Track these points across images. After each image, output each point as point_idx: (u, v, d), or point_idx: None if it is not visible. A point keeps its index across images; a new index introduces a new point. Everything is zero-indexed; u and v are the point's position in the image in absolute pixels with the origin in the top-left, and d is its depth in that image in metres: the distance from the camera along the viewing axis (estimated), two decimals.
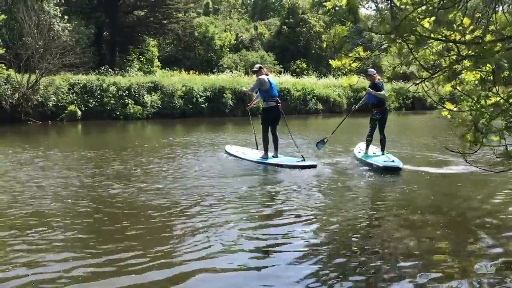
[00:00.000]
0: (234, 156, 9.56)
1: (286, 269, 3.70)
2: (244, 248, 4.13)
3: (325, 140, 9.66)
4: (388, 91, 33.87)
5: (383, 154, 9.17)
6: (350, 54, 3.14)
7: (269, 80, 8.91)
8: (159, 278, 3.49)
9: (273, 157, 9.01)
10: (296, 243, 4.30)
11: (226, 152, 9.94)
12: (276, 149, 9.08)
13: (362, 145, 10.02)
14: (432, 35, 3.40)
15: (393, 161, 8.51)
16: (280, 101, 9.20)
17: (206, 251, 4.02)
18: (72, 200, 5.85)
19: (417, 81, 3.09)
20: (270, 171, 8.14)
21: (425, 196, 6.32)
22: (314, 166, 8.41)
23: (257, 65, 9.43)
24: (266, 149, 9.06)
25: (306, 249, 4.13)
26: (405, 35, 3.14)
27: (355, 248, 4.16)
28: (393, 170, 8.10)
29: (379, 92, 8.90)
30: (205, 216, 5.11)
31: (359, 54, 3.13)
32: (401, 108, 34.38)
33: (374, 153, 9.34)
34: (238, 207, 5.55)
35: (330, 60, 3.45)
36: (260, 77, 8.85)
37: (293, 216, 5.17)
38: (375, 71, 9.06)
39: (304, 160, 8.66)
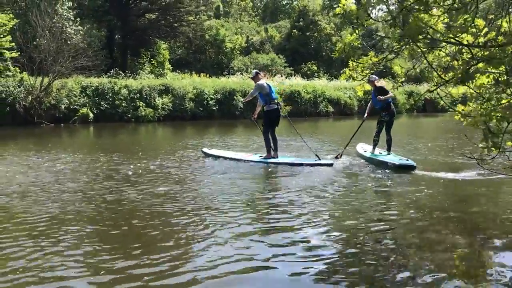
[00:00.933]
0: (229, 158, 9.61)
1: (300, 271, 3.68)
2: (256, 252, 4.11)
3: (339, 157, 9.57)
4: (400, 94, 33.83)
5: (389, 154, 9.27)
6: (362, 61, 3.13)
7: (267, 84, 9.19)
8: (175, 282, 3.50)
9: (273, 157, 9.23)
10: (310, 246, 4.28)
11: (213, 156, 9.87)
12: (276, 149, 9.31)
13: (363, 145, 10.29)
14: (443, 38, 3.38)
15: (408, 160, 8.62)
16: (280, 104, 9.48)
17: (219, 254, 4.02)
18: (84, 204, 5.88)
19: (432, 89, 3.06)
20: (281, 174, 8.12)
21: (440, 199, 6.25)
22: (330, 165, 8.63)
23: (254, 71, 9.65)
24: (269, 150, 9.28)
25: (319, 250, 4.11)
26: (416, 38, 3.13)
27: (368, 251, 4.13)
28: (409, 168, 8.17)
29: (388, 96, 9.10)
30: (220, 219, 5.11)
31: (371, 60, 3.12)
32: (413, 110, 34.15)
33: (380, 153, 9.42)
34: (249, 210, 5.54)
35: (344, 69, 3.44)
36: (258, 82, 9.13)
37: (306, 218, 5.14)
38: (376, 77, 9.29)
39: (319, 159, 8.90)
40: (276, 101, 9.21)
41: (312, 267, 3.78)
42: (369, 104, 9.85)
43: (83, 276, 3.58)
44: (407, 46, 3.09)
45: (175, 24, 32.59)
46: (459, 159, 9.42)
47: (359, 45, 3.17)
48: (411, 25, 2.91)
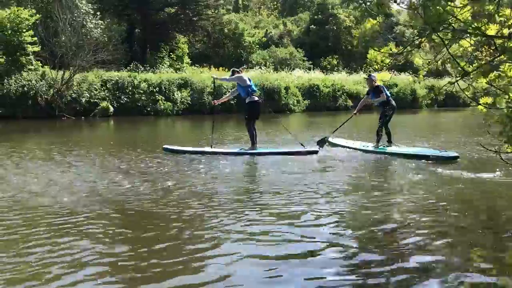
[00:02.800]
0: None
1: (314, 268, 3.66)
2: (266, 250, 4.09)
3: (325, 140, 9.82)
4: (421, 88, 33.35)
5: (390, 145, 9.66)
6: (382, 50, 3.08)
7: (248, 78, 9.51)
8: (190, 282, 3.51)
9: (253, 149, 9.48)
10: (323, 244, 4.25)
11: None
12: (256, 142, 9.58)
13: (360, 142, 10.53)
14: (466, 28, 3.30)
15: (446, 151, 8.91)
16: (260, 97, 9.87)
17: (231, 251, 4.02)
18: (104, 202, 5.95)
19: (453, 80, 2.99)
20: (291, 169, 8.06)
21: (462, 198, 6.13)
22: (315, 152, 9.17)
23: (232, 70, 9.94)
24: (253, 141, 9.50)
25: (333, 248, 4.08)
26: (437, 28, 3.06)
27: (382, 248, 4.09)
28: (452, 159, 8.40)
29: (379, 99, 9.57)
30: (232, 215, 5.11)
31: (391, 50, 3.07)
32: (433, 105, 33.65)
33: (383, 146, 9.67)
34: (259, 207, 5.52)
35: (367, 54, 3.38)
36: (238, 74, 9.45)
37: (319, 215, 5.10)
38: (376, 76, 9.83)
39: (304, 147, 9.36)
40: (256, 93, 9.48)
41: (328, 266, 3.76)
42: (361, 102, 10.31)
43: (103, 271, 3.63)
44: (428, 38, 3.03)
45: (194, 18, 32.67)
46: (482, 154, 9.23)
47: (380, 33, 3.12)
48: (433, 14, 2.85)
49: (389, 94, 9.79)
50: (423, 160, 8.53)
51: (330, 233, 4.43)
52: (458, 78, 3.02)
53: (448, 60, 3.05)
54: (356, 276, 3.49)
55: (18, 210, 5.17)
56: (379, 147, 9.65)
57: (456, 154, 8.60)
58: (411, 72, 31.11)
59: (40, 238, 4.23)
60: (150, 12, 31.40)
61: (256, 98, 9.42)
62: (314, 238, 4.28)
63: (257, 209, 5.24)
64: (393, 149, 9.48)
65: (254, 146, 9.47)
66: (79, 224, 4.65)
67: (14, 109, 19.58)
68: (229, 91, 9.78)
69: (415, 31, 3.06)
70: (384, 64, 3.12)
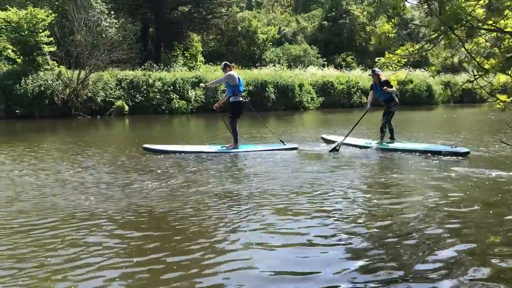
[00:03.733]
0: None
1: (328, 266, 3.65)
2: (282, 251, 4.10)
3: (337, 148, 9.55)
4: (437, 84, 33.00)
5: (393, 141, 9.76)
6: (398, 51, 3.05)
7: (237, 76, 9.53)
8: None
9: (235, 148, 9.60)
10: (339, 243, 4.24)
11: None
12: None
13: (359, 139, 10.64)
14: (483, 25, 3.25)
15: (456, 147, 9.04)
16: (245, 97, 10.11)
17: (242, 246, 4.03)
18: (120, 202, 6.00)
19: (472, 79, 2.95)
20: (303, 166, 8.05)
21: (479, 194, 6.05)
22: (295, 149, 9.55)
23: (224, 63, 9.90)
24: (236, 140, 9.60)
25: (349, 245, 4.06)
26: (453, 26, 3.02)
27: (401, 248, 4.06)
28: (463, 155, 8.46)
29: (393, 89, 9.60)
30: (245, 213, 5.12)
31: (407, 50, 3.04)
32: (449, 101, 33.29)
33: (388, 142, 9.73)
34: (275, 205, 5.52)
35: (379, 58, 3.36)
36: (230, 72, 9.46)
37: (334, 214, 5.08)
38: (380, 71, 9.78)
39: (284, 144, 9.74)
40: (242, 94, 9.66)
41: (342, 262, 3.75)
42: (370, 97, 10.30)
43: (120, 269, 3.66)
44: (445, 36, 2.99)
45: (208, 16, 32.78)
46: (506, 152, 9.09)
47: (395, 35, 3.09)
48: (449, 13, 2.81)
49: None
50: (436, 156, 8.55)
51: (343, 230, 4.41)
52: (477, 76, 2.98)
53: (466, 58, 3.01)
54: (370, 274, 3.47)
55: (38, 211, 5.24)
56: (383, 143, 9.74)
57: (467, 150, 8.64)
58: (426, 68, 30.79)
59: (62, 238, 4.28)
60: (164, 11, 31.58)
61: (241, 99, 9.58)
62: (325, 235, 4.27)
63: (277, 208, 5.24)
64: (402, 145, 9.57)
65: (237, 145, 9.61)
66: (98, 224, 4.70)
67: (31, 108, 19.88)
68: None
69: (430, 30, 3.03)
70: (401, 65, 3.10)
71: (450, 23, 2.82)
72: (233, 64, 10.60)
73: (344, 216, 4.92)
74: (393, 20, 2.95)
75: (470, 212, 5.04)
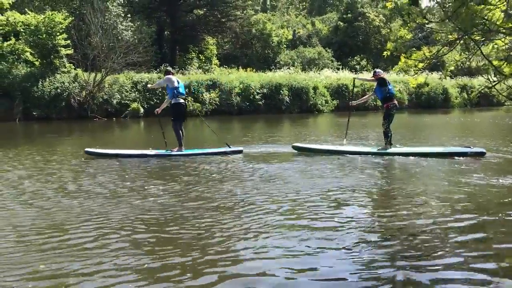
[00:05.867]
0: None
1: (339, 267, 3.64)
2: (294, 256, 4.09)
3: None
4: (453, 87, 32.65)
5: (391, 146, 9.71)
6: (414, 56, 3.04)
7: (176, 80, 9.80)
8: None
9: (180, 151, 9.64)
10: (350, 248, 4.22)
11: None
12: (182, 143, 9.77)
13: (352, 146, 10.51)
14: (501, 29, 3.21)
15: (471, 147, 9.05)
16: (187, 100, 10.29)
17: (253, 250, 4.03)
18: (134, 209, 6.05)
19: (490, 85, 2.93)
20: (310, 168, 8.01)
21: (493, 199, 5.97)
22: (240, 152, 9.66)
23: (166, 69, 10.57)
24: (180, 143, 9.71)
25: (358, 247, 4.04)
26: (470, 30, 2.99)
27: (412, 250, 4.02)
28: (480, 155, 8.57)
29: (366, 78, 10.52)
30: (257, 215, 5.12)
31: (424, 55, 3.02)
32: (466, 105, 32.88)
33: (396, 146, 9.81)
34: (290, 210, 5.51)
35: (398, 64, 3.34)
36: (168, 76, 9.80)
37: (344, 219, 5.05)
38: (381, 71, 10.02)
39: (229, 147, 9.77)
40: (183, 96, 9.78)
41: (354, 264, 3.73)
42: (366, 96, 11.14)
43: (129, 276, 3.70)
44: (461, 41, 2.97)
45: (223, 19, 32.92)
46: None
47: (411, 40, 3.08)
48: (465, 17, 2.79)
49: (393, 92, 9.77)
50: (455, 158, 8.57)
51: (356, 235, 4.39)
52: (496, 82, 2.95)
53: (483, 64, 2.98)
54: (380, 275, 3.45)
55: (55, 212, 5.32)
56: (378, 149, 9.58)
57: (483, 150, 8.71)
58: (441, 70, 30.48)
59: (83, 241, 4.34)
60: (179, 14, 31.80)
61: (181, 101, 9.70)
62: (337, 239, 4.25)
63: (281, 210, 5.23)
64: (410, 149, 9.57)
65: (181, 148, 9.69)
66: (113, 228, 4.75)
67: (49, 110, 20.18)
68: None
69: (447, 34, 3.01)
70: (418, 69, 3.08)
71: (466, 28, 2.80)
72: (174, 68, 10.91)
73: (352, 221, 4.90)
74: (408, 25, 2.94)
75: (483, 218, 4.98)
